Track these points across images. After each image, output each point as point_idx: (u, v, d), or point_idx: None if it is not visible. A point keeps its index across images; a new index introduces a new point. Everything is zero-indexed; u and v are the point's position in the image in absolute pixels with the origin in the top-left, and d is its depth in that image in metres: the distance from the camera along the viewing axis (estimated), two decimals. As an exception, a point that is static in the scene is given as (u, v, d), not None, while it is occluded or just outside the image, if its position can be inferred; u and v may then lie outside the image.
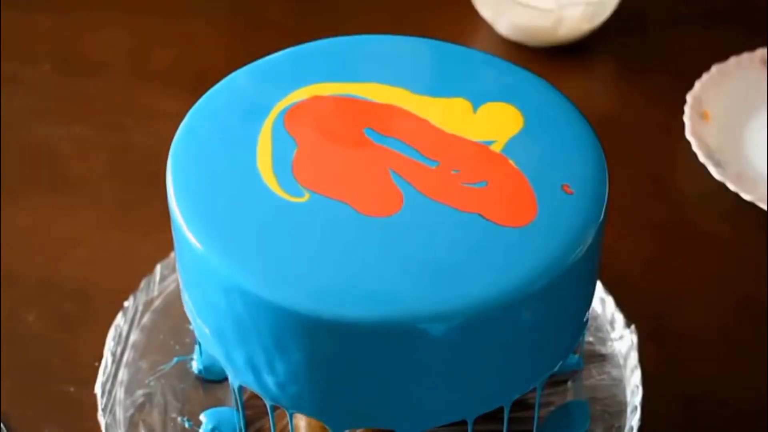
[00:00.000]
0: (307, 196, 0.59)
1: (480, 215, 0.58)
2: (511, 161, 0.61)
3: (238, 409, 0.63)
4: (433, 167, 0.61)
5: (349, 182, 0.60)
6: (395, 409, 0.57)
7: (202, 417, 0.70)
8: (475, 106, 0.64)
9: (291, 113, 0.63)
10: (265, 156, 0.60)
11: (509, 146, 0.62)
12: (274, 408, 0.60)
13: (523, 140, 0.62)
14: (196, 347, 0.72)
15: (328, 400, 0.57)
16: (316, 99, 0.64)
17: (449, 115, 0.63)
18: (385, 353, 0.54)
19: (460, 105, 0.64)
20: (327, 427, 0.58)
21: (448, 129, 0.63)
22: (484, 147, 0.62)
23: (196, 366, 0.72)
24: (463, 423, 0.59)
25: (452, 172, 0.60)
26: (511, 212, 0.58)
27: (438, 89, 0.64)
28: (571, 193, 0.59)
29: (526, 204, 0.59)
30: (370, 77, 0.65)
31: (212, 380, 0.71)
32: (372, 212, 0.58)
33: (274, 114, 0.63)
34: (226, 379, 0.70)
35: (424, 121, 0.63)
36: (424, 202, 0.59)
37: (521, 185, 0.60)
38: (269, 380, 0.57)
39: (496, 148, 0.62)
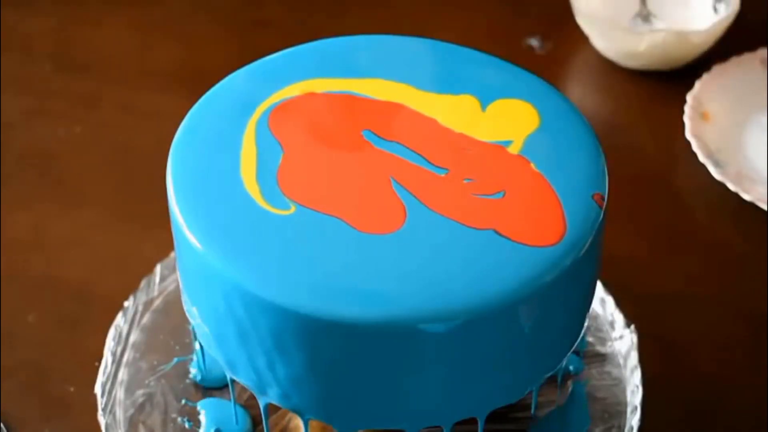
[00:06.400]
0: (293, 209, 0.56)
1: (495, 231, 0.55)
2: (532, 164, 0.57)
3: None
4: (442, 175, 0.57)
5: (343, 193, 0.57)
6: (398, 409, 0.57)
7: (201, 416, 0.70)
8: (484, 104, 0.61)
9: (277, 112, 0.61)
10: (249, 161, 0.58)
11: (528, 146, 0.58)
12: (273, 408, 0.60)
13: (542, 140, 0.58)
14: (195, 354, 0.72)
15: (329, 401, 0.57)
16: (307, 96, 0.62)
17: (457, 113, 0.60)
18: (386, 354, 0.54)
19: (467, 102, 0.61)
20: (333, 428, 0.58)
21: (458, 129, 0.59)
22: (500, 148, 0.58)
23: (194, 373, 0.72)
24: (468, 422, 0.59)
25: (464, 182, 0.56)
26: (534, 228, 0.54)
27: (443, 86, 0.62)
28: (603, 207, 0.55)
29: (552, 218, 0.55)
30: (370, 73, 0.63)
31: (211, 387, 0.71)
32: (370, 228, 0.55)
33: (258, 113, 0.61)
34: (225, 386, 0.70)
35: (431, 121, 0.60)
36: (430, 217, 0.56)
37: (546, 194, 0.56)
38: (270, 381, 0.57)
39: (514, 149, 0.58)
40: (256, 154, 0.59)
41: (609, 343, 0.74)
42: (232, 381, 0.62)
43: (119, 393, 0.71)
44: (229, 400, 0.69)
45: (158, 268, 0.76)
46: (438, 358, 0.55)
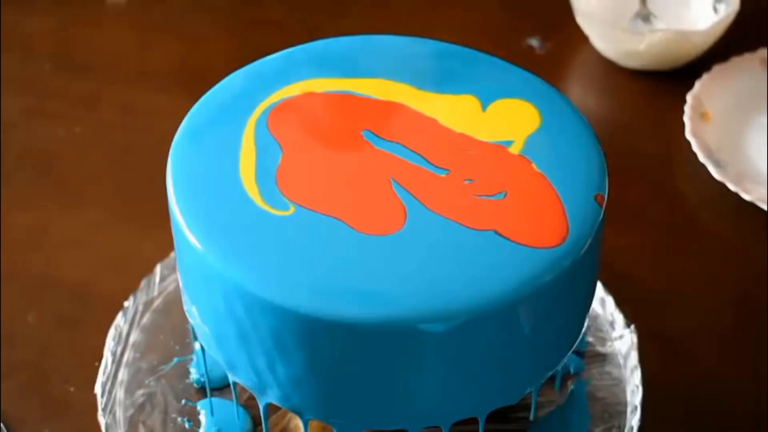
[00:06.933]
0: (292, 210, 0.56)
1: (496, 232, 0.54)
2: (533, 164, 0.57)
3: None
4: (442, 176, 0.57)
5: (342, 194, 0.57)
6: (398, 409, 0.57)
7: (201, 416, 0.70)
8: (484, 104, 0.61)
9: (276, 112, 0.61)
10: (248, 162, 0.58)
11: (529, 147, 0.58)
12: (273, 408, 0.60)
13: (543, 140, 0.58)
14: (195, 354, 0.72)
15: (329, 402, 0.57)
16: (307, 96, 0.62)
17: (458, 113, 0.60)
18: (386, 354, 0.54)
19: (468, 102, 0.61)
20: (332, 428, 0.58)
21: (458, 129, 0.59)
22: (500, 148, 0.58)
23: (195, 374, 0.72)
24: (468, 422, 0.59)
25: (465, 182, 0.56)
26: (536, 230, 0.54)
27: (444, 86, 0.62)
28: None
29: (554, 219, 0.54)
30: (370, 73, 0.63)
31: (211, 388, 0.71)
32: (370, 230, 0.55)
33: (258, 113, 0.61)
34: (225, 386, 0.70)
35: (432, 121, 0.60)
36: (430, 218, 0.55)
37: (548, 195, 0.56)
38: (270, 382, 0.57)
39: (515, 149, 0.58)
40: (255, 155, 0.59)
41: (609, 343, 0.74)
42: (234, 382, 0.62)
43: (119, 393, 0.71)
44: (229, 399, 0.69)
45: (158, 268, 0.76)
46: (438, 358, 0.55)
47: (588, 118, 0.62)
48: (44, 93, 0.97)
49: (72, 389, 0.74)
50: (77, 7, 1.05)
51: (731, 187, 0.86)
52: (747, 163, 0.90)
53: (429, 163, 0.59)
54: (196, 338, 0.68)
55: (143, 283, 0.75)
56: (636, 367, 0.71)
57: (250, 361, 0.57)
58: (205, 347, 0.61)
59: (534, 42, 1.02)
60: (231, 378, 0.60)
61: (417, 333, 0.53)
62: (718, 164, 0.88)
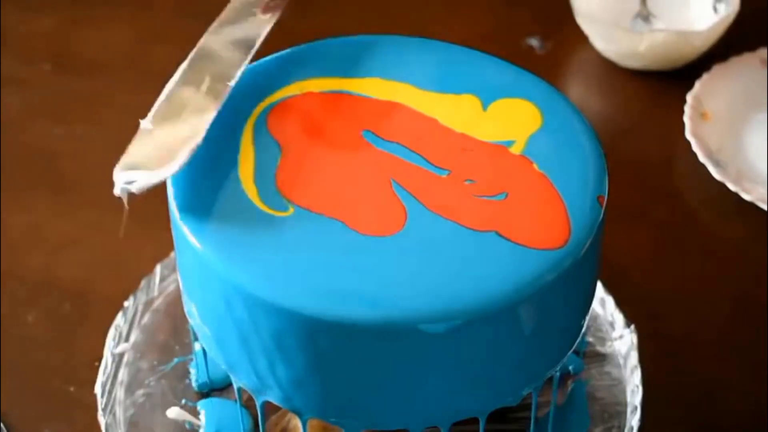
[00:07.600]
0: (291, 210, 0.56)
1: (497, 233, 0.54)
2: (534, 165, 0.57)
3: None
4: (443, 176, 0.57)
5: (342, 195, 0.56)
6: (399, 410, 0.57)
7: (201, 416, 0.70)
8: (485, 104, 0.61)
9: (276, 112, 0.60)
10: (247, 162, 0.58)
11: (530, 147, 0.58)
12: (274, 408, 0.60)
13: (544, 140, 0.58)
14: (195, 355, 0.72)
15: (330, 402, 0.57)
16: (306, 96, 0.61)
17: (458, 113, 0.60)
18: (387, 354, 0.54)
19: (468, 102, 0.61)
20: (333, 428, 0.58)
21: (459, 129, 0.59)
22: (501, 149, 0.58)
23: (194, 377, 0.72)
24: (468, 422, 0.59)
25: (465, 183, 0.56)
26: (538, 231, 0.54)
27: (444, 85, 0.62)
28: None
29: (556, 220, 0.54)
30: (370, 73, 0.63)
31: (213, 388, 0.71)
32: (370, 231, 0.55)
33: (257, 113, 0.61)
34: (225, 387, 0.70)
35: (432, 121, 0.60)
36: (431, 219, 0.55)
37: (549, 196, 0.55)
38: (270, 383, 0.57)
39: (516, 149, 0.58)
40: (254, 155, 0.59)
41: (609, 343, 0.74)
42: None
43: (119, 393, 0.71)
44: (229, 399, 0.69)
45: (158, 268, 0.76)
46: (438, 358, 0.55)
47: (588, 119, 0.62)
48: (44, 93, 0.97)
49: (72, 389, 0.74)
50: (77, 7, 1.05)
51: (731, 187, 0.86)
52: (747, 163, 0.90)
53: (429, 163, 0.59)
54: (196, 338, 0.68)
55: (143, 283, 0.75)
56: (636, 367, 0.71)
57: (251, 361, 0.57)
58: (206, 348, 0.61)
59: (534, 42, 1.02)
60: (232, 379, 0.60)
61: (417, 333, 0.53)
62: (718, 164, 0.88)
